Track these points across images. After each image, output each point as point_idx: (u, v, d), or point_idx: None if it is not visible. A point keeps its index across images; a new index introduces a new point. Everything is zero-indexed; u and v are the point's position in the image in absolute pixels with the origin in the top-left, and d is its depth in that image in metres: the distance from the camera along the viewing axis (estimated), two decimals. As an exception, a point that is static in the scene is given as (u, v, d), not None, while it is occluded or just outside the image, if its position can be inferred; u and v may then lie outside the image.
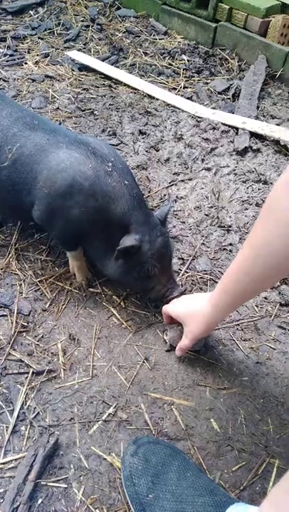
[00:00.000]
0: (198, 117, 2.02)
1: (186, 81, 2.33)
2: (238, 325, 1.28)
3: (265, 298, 1.35)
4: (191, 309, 1.08)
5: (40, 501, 0.91)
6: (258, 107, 2.12)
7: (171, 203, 1.59)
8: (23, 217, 1.35)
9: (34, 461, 0.94)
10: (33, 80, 2.21)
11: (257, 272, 0.85)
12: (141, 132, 1.95)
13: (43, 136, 1.20)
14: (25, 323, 1.22)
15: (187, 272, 1.41)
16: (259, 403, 1.10)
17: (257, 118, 2.04)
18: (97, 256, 1.26)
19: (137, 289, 1.30)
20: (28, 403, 1.06)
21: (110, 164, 1.15)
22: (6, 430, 1.00)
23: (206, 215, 1.61)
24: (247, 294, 0.96)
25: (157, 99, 2.16)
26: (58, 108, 2.04)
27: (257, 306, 1.33)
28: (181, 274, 1.39)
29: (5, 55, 2.40)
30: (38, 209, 1.21)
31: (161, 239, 1.18)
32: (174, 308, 1.14)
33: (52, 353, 1.17)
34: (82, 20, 2.79)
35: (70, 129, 1.91)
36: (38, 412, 1.04)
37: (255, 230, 0.84)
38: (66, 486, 0.93)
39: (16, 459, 0.96)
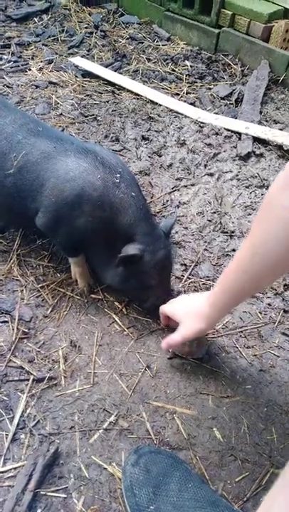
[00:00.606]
0: (201, 123, 2.02)
1: (189, 87, 2.33)
2: (242, 332, 1.26)
3: (269, 304, 1.33)
4: (188, 308, 1.07)
5: (39, 511, 0.89)
6: (260, 112, 2.11)
7: (175, 214, 1.59)
8: (27, 224, 1.35)
9: (34, 470, 0.93)
10: (37, 86, 2.22)
11: (254, 271, 0.85)
12: (144, 138, 1.95)
13: (49, 144, 1.20)
14: (27, 330, 1.22)
15: (190, 278, 1.40)
16: (263, 412, 1.09)
17: (260, 123, 2.03)
18: (99, 263, 1.26)
19: (133, 297, 1.31)
20: (28, 411, 1.05)
21: (118, 175, 1.15)
22: (6, 438, 0.99)
23: (209, 220, 1.60)
24: (245, 292, 0.96)
25: (160, 105, 2.16)
26: (61, 114, 2.05)
27: (260, 313, 1.31)
28: (183, 280, 1.38)
29: (9, 61, 2.42)
30: (43, 216, 1.20)
31: (164, 251, 1.18)
32: (171, 307, 1.13)
33: (53, 360, 1.16)
34: (85, 27, 2.81)
35: (73, 135, 1.91)
36: (39, 420, 1.03)
37: (253, 228, 0.84)
38: (66, 495, 0.92)
39: (15, 468, 0.95)
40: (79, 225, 1.16)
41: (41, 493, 0.91)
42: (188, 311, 1.07)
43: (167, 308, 1.14)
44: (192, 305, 1.07)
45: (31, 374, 1.11)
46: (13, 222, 1.47)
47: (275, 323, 1.29)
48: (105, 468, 0.97)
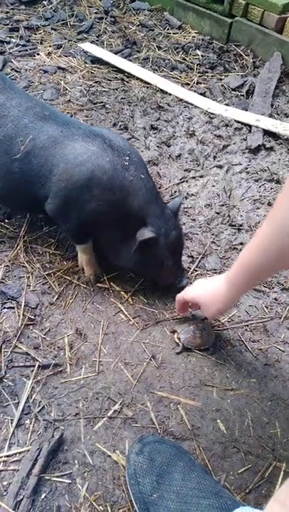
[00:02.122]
0: (211, 114, 2.00)
1: (200, 76, 2.30)
2: (247, 326, 1.26)
3: (275, 299, 1.33)
4: (208, 290, 1.08)
5: (43, 496, 0.90)
6: (272, 105, 2.08)
7: (181, 198, 1.58)
8: (34, 209, 1.34)
9: (38, 455, 0.94)
10: (45, 72, 2.19)
11: (274, 251, 0.84)
12: (152, 127, 1.92)
13: (56, 128, 1.18)
14: (33, 316, 1.21)
15: (196, 271, 1.39)
16: (267, 406, 1.09)
17: (271, 116, 2.01)
18: (111, 246, 1.27)
19: (148, 277, 1.32)
20: (33, 397, 1.05)
21: (127, 158, 1.15)
22: (11, 423, 1.00)
23: (217, 213, 1.59)
24: (262, 272, 0.95)
25: (170, 94, 2.13)
26: (69, 100, 2.02)
27: (267, 308, 1.31)
28: (190, 272, 1.38)
29: (17, 45, 2.38)
30: (52, 202, 1.20)
31: (176, 232, 1.21)
32: (189, 292, 1.13)
33: (58, 347, 1.16)
34: (95, 12, 2.76)
35: (81, 121, 1.89)
36: (43, 406, 1.03)
37: (275, 209, 0.82)
38: (70, 481, 0.93)
39: (20, 452, 0.95)
40: (89, 209, 1.16)
41: (46, 477, 0.92)
42: (207, 292, 1.07)
43: (186, 295, 1.14)
44: (210, 286, 1.07)
45: (37, 360, 1.11)
46: (21, 208, 1.46)
47: (281, 318, 1.28)
48: (109, 456, 0.97)
